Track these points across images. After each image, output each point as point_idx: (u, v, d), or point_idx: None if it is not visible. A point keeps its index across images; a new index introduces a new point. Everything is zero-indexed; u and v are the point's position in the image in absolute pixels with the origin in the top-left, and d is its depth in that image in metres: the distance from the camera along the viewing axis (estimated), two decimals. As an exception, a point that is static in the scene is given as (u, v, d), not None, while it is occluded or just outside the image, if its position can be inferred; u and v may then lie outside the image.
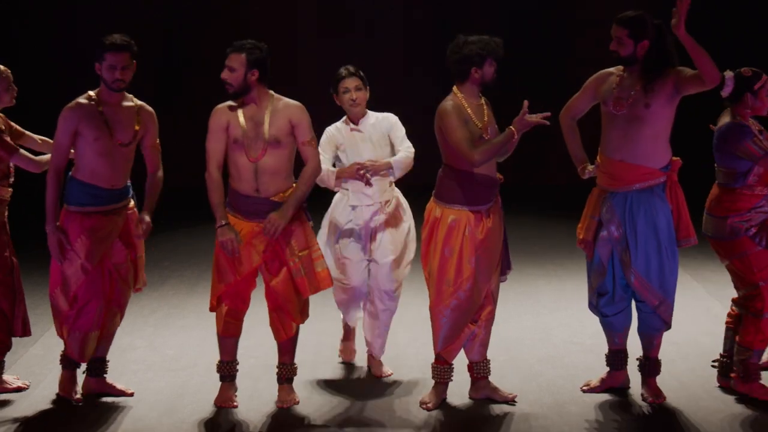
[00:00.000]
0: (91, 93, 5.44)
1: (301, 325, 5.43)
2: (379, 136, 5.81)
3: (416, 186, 6.53)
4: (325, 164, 5.70)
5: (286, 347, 5.51)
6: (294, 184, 5.37)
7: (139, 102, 5.54)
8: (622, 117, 5.29)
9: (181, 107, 11.38)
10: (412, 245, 5.96)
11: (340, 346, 6.25)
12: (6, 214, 5.64)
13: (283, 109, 5.29)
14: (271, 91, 5.36)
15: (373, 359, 6.01)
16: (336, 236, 5.87)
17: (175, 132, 7.23)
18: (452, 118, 5.20)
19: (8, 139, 5.54)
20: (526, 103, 5.13)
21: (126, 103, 5.47)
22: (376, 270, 5.84)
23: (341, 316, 6.19)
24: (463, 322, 5.34)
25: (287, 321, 5.42)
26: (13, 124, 5.70)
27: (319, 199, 6.21)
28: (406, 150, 5.80)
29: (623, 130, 5.29)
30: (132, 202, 5.60)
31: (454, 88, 5.33)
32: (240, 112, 5.29)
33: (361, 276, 5.87)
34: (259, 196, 5.29)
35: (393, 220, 5.85)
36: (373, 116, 5.86)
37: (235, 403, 5.45)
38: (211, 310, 5.50)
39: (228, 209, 5.35)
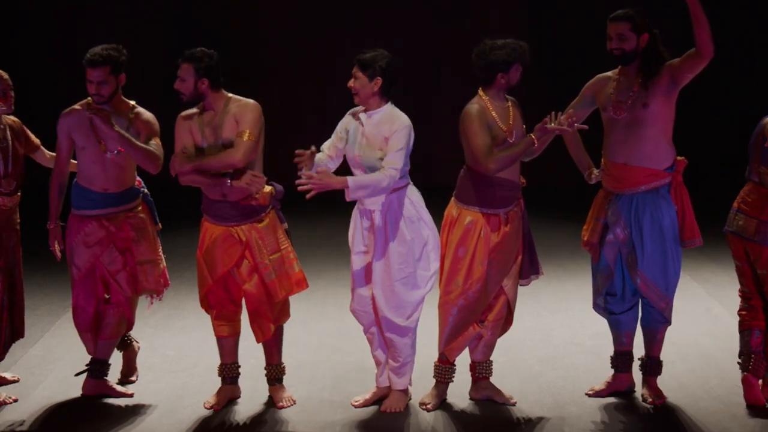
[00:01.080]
0: (90, 99, 5.48)
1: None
2: (375, 137, 5.26)
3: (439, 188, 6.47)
4: (325, 151, 5.39)
5: (270, 348, 5.54)
6: (266, 184, 5.39)
7: (139, 110, 5.55)
8: (622, 121, 5.29)
9: (181, 108, 11.38)
10: (426, 260, 5.36)
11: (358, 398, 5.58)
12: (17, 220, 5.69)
13: (234, 111, 5.28)
14: (229, 94, 5.34)
15: (392, 390, 5.50)
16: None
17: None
18: (474, 123, 5.19)
19: None
20: (549, 118, 5.11)
21: (125, 113, 5.49)
22: (375, 297, 5.38)
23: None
24: (467, 322, 5.35)
25: (264, 323, 5.44)
26: (31, 135, 5.73)
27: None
28: (382, 170, 5.13)
29: (624, 133, 5.29)
30: (139, 207, 5.64)
31: (480, 90, 5.31)
32: (200, 119, 5.32)
33: (361, 294, 5.42)
34: (227, 200, 5.32)
35: (393, 236, 5.30)
36: (385, 113, 5.29)
37: (217, 407, 5.44)
38: (207, 312, 5.56)
39: (204, 214, 5.43)
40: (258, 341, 5.52)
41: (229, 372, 5.56)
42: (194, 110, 5.37)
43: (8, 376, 5.83)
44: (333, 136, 5.45)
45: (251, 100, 5.33)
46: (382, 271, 5.32)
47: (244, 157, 5.19)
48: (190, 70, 5.24)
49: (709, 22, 5.00)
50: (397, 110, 5.33)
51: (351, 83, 5.31)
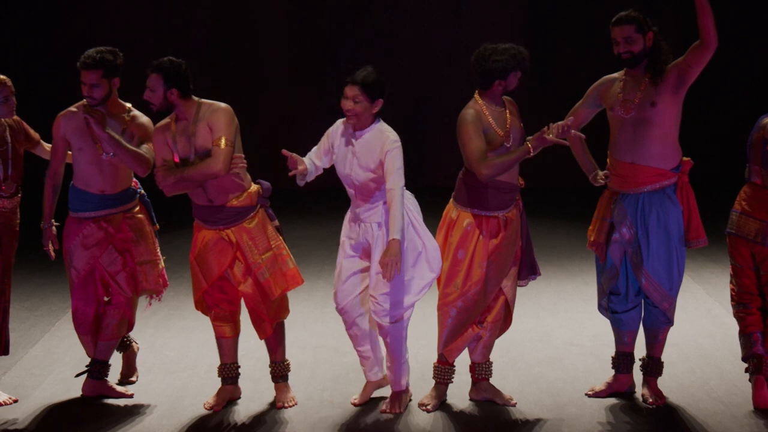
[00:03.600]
0: (85, 101, 5.49)
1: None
2: (366, 156, 5.25)
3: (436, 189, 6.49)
4: (311, 157, 5.39)
5: (272, 345, 5.54)
6: (252, 183, 5.39)
7: (134, 113, 5.56)
8: (631, 120, 5.29)
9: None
10: (421, 268, 5.32)
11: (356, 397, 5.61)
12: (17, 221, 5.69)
13: (206, 117, 5.25)
14: (200, 100, 5.32)
15: (392, 392, 5.53)
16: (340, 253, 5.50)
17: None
18: (469, 129, 5.17)
19: None
20: (547, 128, 5.08)
21: (120, 115, 5.50)
22: (370, 301, 5.38)
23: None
24: (466, 323, 5.35)
25: (262, 322, 5.46)
26: (30, 131, 5.74)
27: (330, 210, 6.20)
28: (392, 196, 5.13)
29: (632, 132, 5.30)
30: (137, 208, 5.66)
31: (476, 95, 5.29)
32: (173, 129, 5.31)
33: (350, 298, 5.40)
34: (213, 204, 5.33)
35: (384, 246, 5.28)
36: (373, 132, 5.27)
37: (217, 407, 5.45)
38: (205, 314, 5.56)
39: (194, 218, 5.44)
40: (260, 338, 5.54)
41: (229, 372, 5.56)
42: (167, 120, 5.35)
43: (3, 399, 5.61)
44: (319, 147, 5.39)
45: (222, 104, 5.29)
46: (376, 280, 5.28)
47: (224, 165, 5.17)
48: (158, 80, 5.20)
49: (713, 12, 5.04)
50: (385, 126, 5.29)
51: (350, 105, 5.20)
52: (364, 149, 5.25)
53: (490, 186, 5.25)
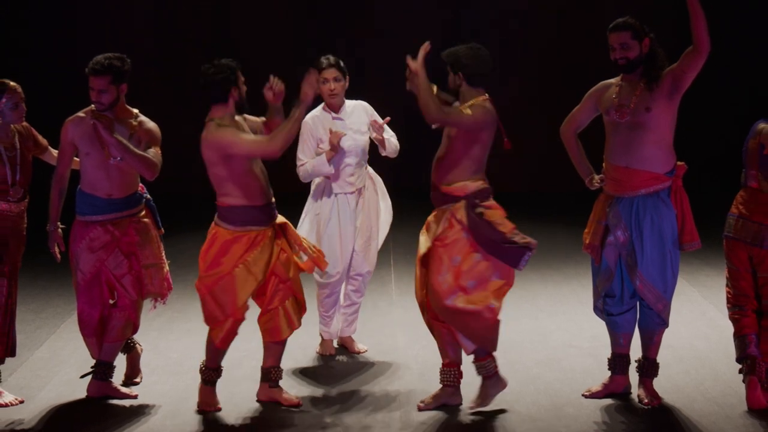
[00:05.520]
0: (93, 107, 5.57)
1: (302, 328, 5.44)
2: (359, 124, 6.15)
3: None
4: (309, 159, 6.08)
5: (276, 350, 5.53)
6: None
7: (142, 119, 5.64)
8: (625, 124, 5.34)
9: (184, 115, 11.38)
10: (385, 228, 6.38)
11: (318, 348, 6.44)
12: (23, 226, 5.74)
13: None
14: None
15: (346, 339, 6.42)
16: (322, 227, 6.16)
17: (178, 138, 7.29)
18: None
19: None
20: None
21: (128, 120, 5.58)
22: (357, 255, 6.22)
23: (319, 327, 6.39)
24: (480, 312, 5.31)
25: (290, 319, 5.46)
26: (39, 137, 5.82)
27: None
28: (394, 137, 6.22)
29: (627, 137, 5.35)
30: (143, 212, 5.72)
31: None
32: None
33: (345, 265, 6.19)
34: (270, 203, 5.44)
35: (370, 204, 6.26)
36: (350, 103, 6.21)
37: (219, 407, 5.49)
38: (213, 326, 5.47)
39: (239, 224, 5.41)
40: (277, 339, 5.47)
41: (218, 375, 5.53)
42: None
43: (9, 400, 5.65)
44: (309, 148, 6.10)
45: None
46: (367, 238, 6.20)
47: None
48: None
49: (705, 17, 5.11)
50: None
51: (333, 86, 6.07)
52: (354, 120, 6.14)
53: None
